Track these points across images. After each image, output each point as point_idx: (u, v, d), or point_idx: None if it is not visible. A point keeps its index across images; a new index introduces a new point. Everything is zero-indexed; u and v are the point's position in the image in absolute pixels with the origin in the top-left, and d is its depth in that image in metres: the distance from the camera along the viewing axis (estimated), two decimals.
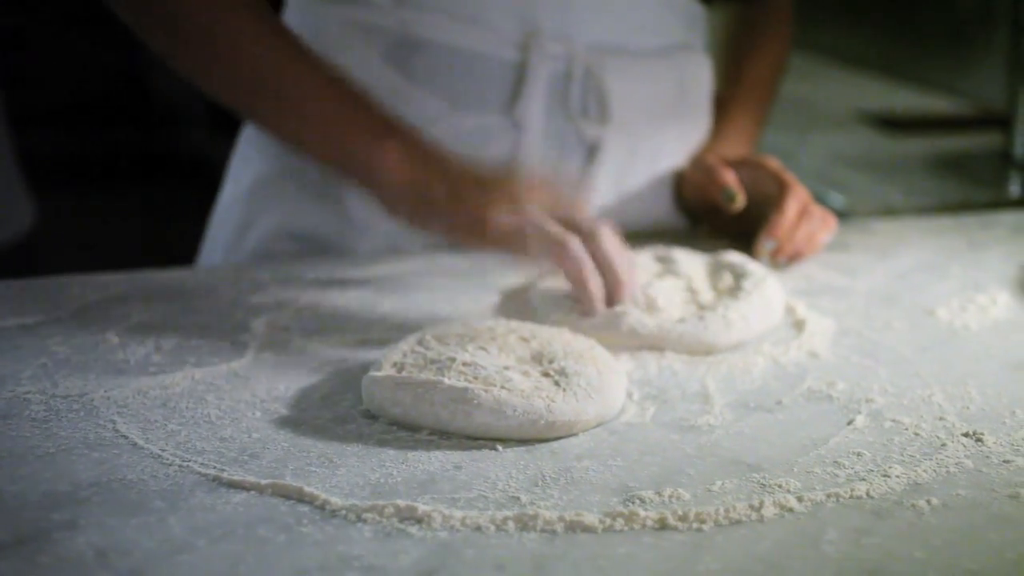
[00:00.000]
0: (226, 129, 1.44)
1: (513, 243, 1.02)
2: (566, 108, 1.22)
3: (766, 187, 1.20)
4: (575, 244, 1.00)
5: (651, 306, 1.03)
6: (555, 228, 1.01)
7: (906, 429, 0.86)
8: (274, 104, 1.12)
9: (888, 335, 1.04)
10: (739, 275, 1.09)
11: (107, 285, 1.11)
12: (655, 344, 1.00)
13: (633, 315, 1.01)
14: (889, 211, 1.57)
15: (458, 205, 1.04)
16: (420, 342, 0.91)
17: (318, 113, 1.10)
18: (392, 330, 1.03)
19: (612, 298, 1.02)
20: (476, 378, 0.85)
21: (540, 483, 0.78)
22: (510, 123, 1.21)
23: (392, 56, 1.20)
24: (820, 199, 1.62)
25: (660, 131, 1.28)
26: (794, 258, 1.17)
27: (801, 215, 1.18)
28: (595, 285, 1.01)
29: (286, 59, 1.11)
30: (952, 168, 1.78)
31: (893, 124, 2.04)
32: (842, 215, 1.57)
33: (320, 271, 1.16)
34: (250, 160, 1.30)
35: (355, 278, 1.15)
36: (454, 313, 1.07)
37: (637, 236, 1.25)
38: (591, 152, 1.24)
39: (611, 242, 1.02)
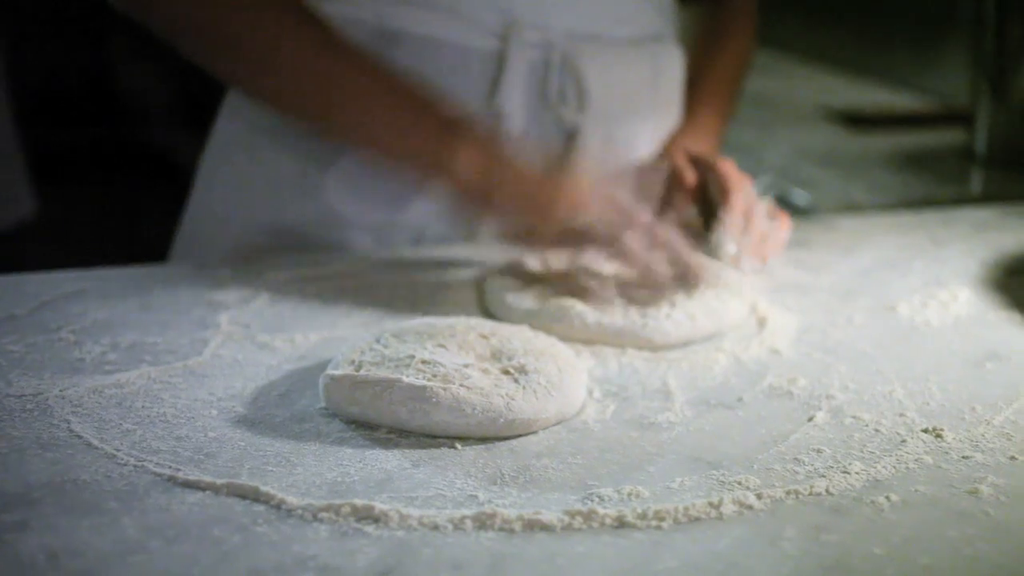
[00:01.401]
0: (191, 125, 1.43)
1: (572, 239, 1.07)
2: (545, 96, 1.23)
3: (712, 192, 1.21)
4: (630, 236, 1.05)
5: (606, 300, 1.03)
6: (609, 226, 1.06)
7: (866, 425, 0.86)
8: (341, 113, 1.14)
9: (849, 331, 1.04)
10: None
11: (64, 282, 1.10)
12: (596, 338, 0.99)
13: (578, 307, 1.00)
14: (852, 207, 1.57)
15: (524, 202, 1.08)
16: (378, 340, 0.90)
17: (385, 118, 1.12)
18: (352, 328, 1.02)
19: (687, 281, 1.06)
20: (435, 376, 0.84)
21: (499, 481, 0.78)
22: (490, 111, 1.22)
23: (372, 49, 1.19)
24: (784, 195, 1.63)
25: (635, 118, 1.30)
26: (756, 258, 1.16)
27: (746, 217, 1.17)
28: (660, 262, 1.05)
29: (347, 68, 1.12)
30: (915, 165, 1.79)
31: (858, 121, 2.04)
32: (806, 212, 1.58)
33: (281, 269, 1.15)
34: (225, 155, 1.30)
35: (315, 276, 1.14)
36: (415, 310, 1.06)
37: None
38: (569, 139, 1.25)
39: (671, 231, 1.07)
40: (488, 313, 1.06)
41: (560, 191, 1.08)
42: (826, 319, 1.07)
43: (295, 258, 1.18)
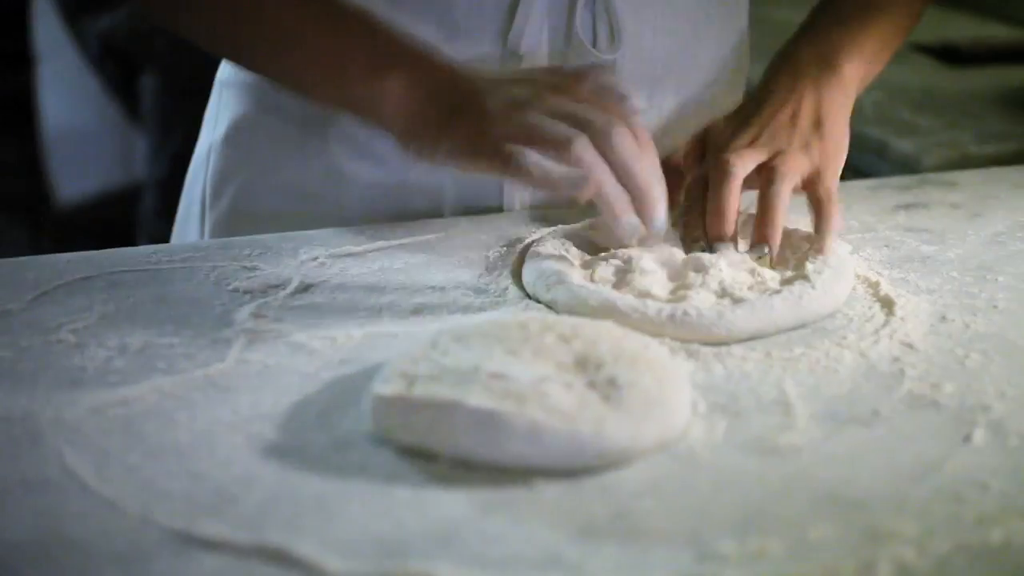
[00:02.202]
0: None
1: (510, 158, 0.89)
2: (571, 36, 1.06)
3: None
4: (581, 143, 0.87)
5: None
6: (558, 127, 0.88)
7: None
8: (271, 45, 1.02)
9: (995, 318, 0.87)
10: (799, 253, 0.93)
11: (67, 268, 0.95)
12: (659, 332, 0.83)
13: (631, 300, 0.85)
14: (965, 159, 1.40)
15: (457, 125, 0.92)
16: (435, 345, 0.75)
17: (316, 50, 0.99)
18: (401, 320, 0.87)
19: (640, 215, 0.89)
20: (507, 395, 0.69)
21: (590, 532, 0.63)
22: (508, 53, 1.06)
23: None
24: (882, 146, 1.45)
25: (681, 58, 1.11)
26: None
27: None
28: (612, 187, 0.88)
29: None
30: None
31: (953, 56, 1.85)
32: (910, 166, 1.40)
33: (315, 247, 0.99)
34: (225, 107, 1.17)
35: (355, 254, 0.98)
36: (473, 294, 0.91)
37: None
38: None
39: (626, 141, 0.88)
40: (529, 295, 0.90)
41: (501, 98, 0.91)
42: (963, 303, 0.90)
43: (330, 233, 1.03)
